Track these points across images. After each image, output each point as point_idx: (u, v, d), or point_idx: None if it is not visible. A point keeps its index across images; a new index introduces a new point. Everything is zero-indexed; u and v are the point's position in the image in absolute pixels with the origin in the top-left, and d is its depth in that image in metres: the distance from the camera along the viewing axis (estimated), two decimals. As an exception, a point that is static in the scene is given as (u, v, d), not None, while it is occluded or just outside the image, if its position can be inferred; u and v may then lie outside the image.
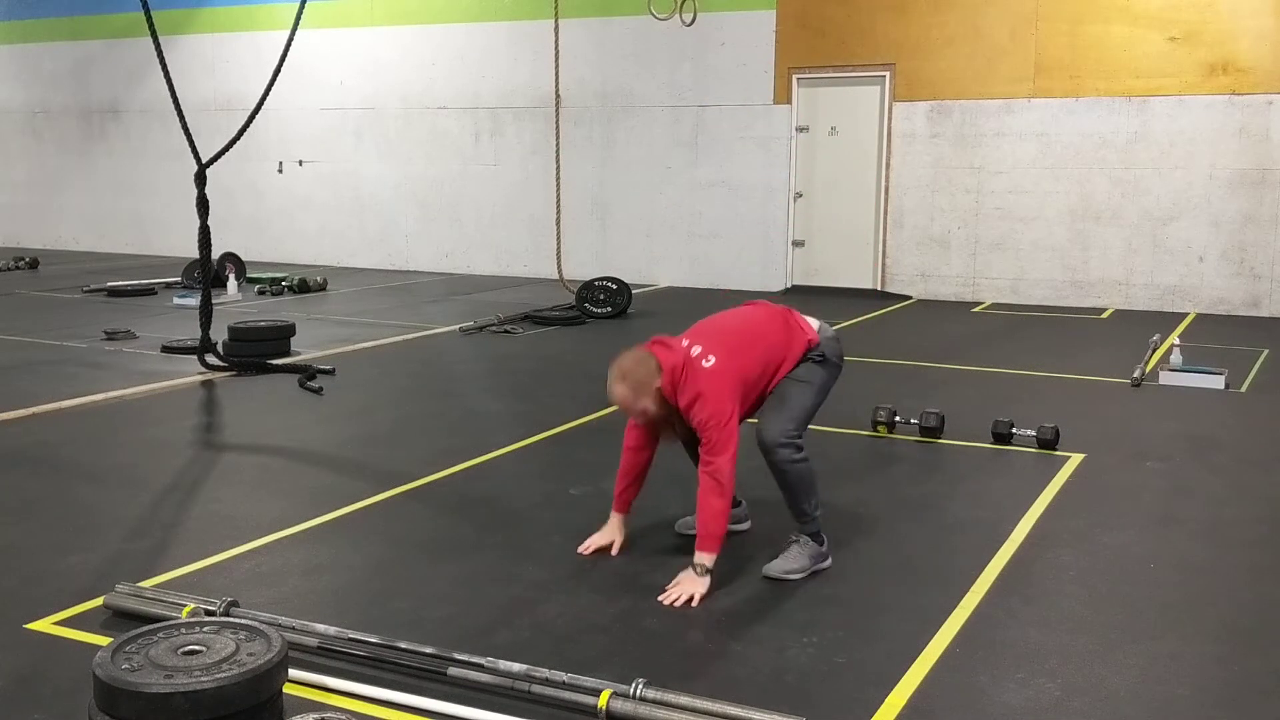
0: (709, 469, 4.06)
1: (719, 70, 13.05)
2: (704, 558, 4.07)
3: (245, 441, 6.44)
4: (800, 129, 12.76)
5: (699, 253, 13.38)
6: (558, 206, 12.12)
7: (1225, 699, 3.36)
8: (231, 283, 12.21)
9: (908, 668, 3.51)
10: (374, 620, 3.81)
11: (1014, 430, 6.16)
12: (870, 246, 12.62)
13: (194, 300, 10.17)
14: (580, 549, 4.50)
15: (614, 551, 4.48)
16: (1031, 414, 6.48)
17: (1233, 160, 11.06)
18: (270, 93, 7.96)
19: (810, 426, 4.41)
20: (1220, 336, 9.73)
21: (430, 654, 3.46)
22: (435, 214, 14.89)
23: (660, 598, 4.03)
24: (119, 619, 3.80)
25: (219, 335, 8.29)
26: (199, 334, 7.96)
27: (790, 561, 4.28)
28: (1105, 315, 11.19)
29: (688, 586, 4.04)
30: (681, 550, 4.52)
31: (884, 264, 12.57)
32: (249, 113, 8.02)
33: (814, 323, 4.41)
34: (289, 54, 7.87)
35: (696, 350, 4.15)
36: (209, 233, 7.90)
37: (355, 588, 4.23)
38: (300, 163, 15.65)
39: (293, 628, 3.60)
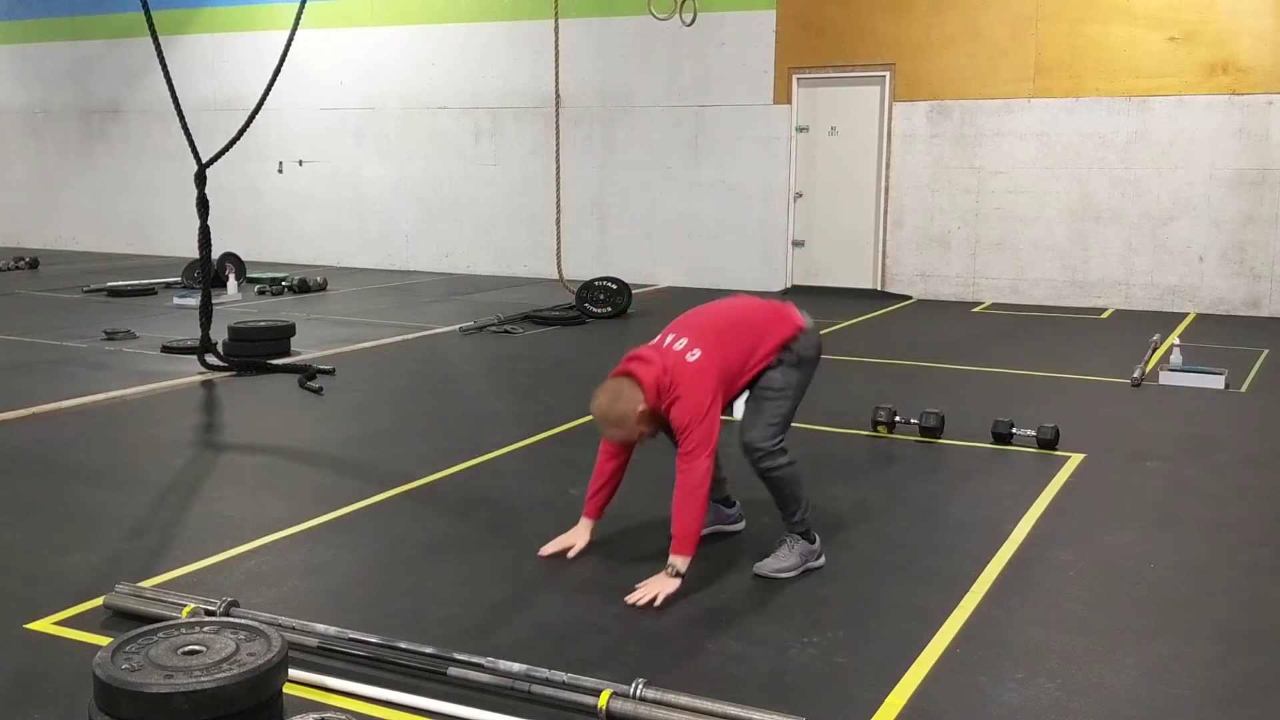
0: (687, 470, 4.02)
1: (719, 70, 13.05)
2: (679, 560, 4.04)
3: (245, 441, 6.44)
4: (800, 129, 12.76)
5: (699, 253, 13.38)
6: (558, 206, 12.12)
7: (1225, 699, 3.36)
8: (231, 283, 12.21)
9: (908, 668, 3.51)
10: (374, 620, 3.81)
11: (1014, 430, 6.16)
12: (870, 246, 12.62)
13: (194, 300, 10.17)
14: (541, 551, 4.44)
15: (571, 554, 4.41)
16: (1031, 414, 6.48)
17: (1233, 160, 11.06)
18: (270, 93, 7.96)
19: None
20: (1220, 336, 9.73)
21: (430, 654, 3.46)
22: (435, 214, 14.90)
23: (627, 597, 4.00)
24: (119, 619, 3.80)
25: (219, 335, 8.29)
26: (199, 334, 7.96)
27: (781, 560, 4.27)
28: (1105, 315, 11.19)
29: (655, 587, 4.00)
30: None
31: (884, 264, 12.57)
32: (249, 113, 8.02)
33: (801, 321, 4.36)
34: (289, 54, 7.87)
35: (681, 344, 4.12)
36: (209, 233, 7.90)
37: (355, 588, 4.23)
38: (300, 163, 15.65)
39: (293, 628, 3.60)
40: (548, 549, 4.45)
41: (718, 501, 4.66)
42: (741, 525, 4.74)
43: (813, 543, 4.34)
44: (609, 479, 4.42)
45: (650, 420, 4.10)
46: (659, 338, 4.25)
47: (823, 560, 4.36)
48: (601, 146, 13.78)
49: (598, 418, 4.15)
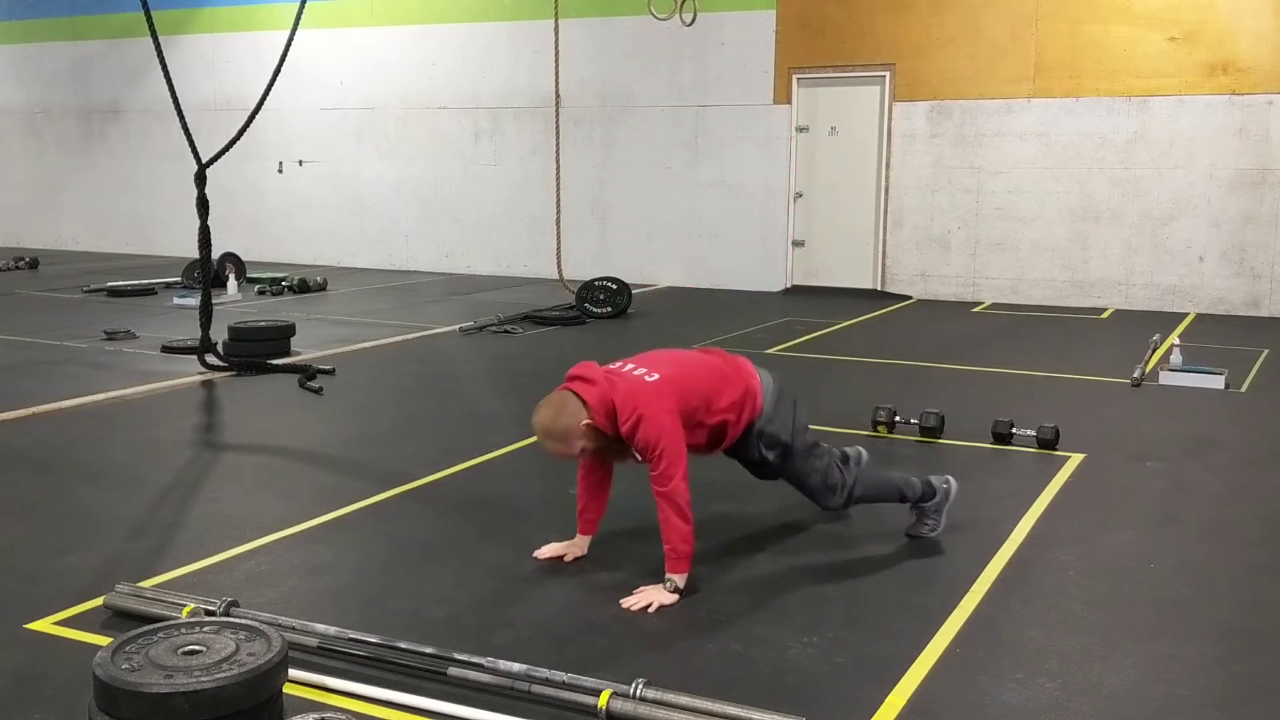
0: (664, 495, 3.97)
1: (719, 70, 13.05)
2: (676, 578, 4.03)
3: (245, 441, 6.44)
4: (800, 129, 12.76)
5: (699, 253, 13.38)
6: (558, 206, 12.12)
7: (1225, 699, 3.36)
8: (231, 283, 12.21)
9: (908, 668, 3.51)
10: (374, 620, 3.81)
11: (1014, 430, 6.16)
12: (870, 246, 12.62)
13: (194, 300, 10.17)
14: (536, 553, 4.42)
15: (568, 559, 4.39)
16: (1031, 414, 6.48)
17: (1233, 160, 11.06)
18: (270, 93, 7.96)
19: (810, 426, 4.42)
20: (1220, 336, 9.73)
21: (430, 654, 3.46)
22: (435, 214, 14.90)
23: (622, 601, 3.98)
24: (119, 619, 3.80)
25: (219, 335, 8.29)
26: (199, 334, 7.96)
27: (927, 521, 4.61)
28: (1105, 315, 11.19)
29: (651, 596, 3.98)
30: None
31: (884, 264, 12.57)
32: (249, 113, 8.03)
33: (760, 380, 4.31)
34: (289, 54, 7.87)
35: (639, 371, 4.10)
36: (209, 233, 7.90)
37: (355, 588, 4.23)
38: (300, 163, 15.65)
39: (293, 628, 3.60)
40: (544, 553, 4.43)
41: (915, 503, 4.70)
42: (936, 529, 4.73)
43: (933, 495, 4.58)
44: (593, 495, 4.39)
45: (593, 436, 4.03)
46: (617, 364, 4.21)
47: (951, 484, 4.63)
48: (601, 146, 13.78)
49: (539, 431, 4.09)
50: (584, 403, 4.00)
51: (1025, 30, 11.66)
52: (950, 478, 4.66)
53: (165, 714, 2.70)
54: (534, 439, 6.22)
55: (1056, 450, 6.02)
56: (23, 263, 14.99)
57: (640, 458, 4.06)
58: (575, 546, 4.44)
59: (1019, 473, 5.75)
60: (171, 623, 3.10)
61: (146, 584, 4.04)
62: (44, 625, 3.80)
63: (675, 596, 4.01)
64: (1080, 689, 3.40)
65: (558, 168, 12.09)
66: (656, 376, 4.07)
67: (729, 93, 13.02)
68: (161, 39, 7.64)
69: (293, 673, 3.22)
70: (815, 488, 4.42)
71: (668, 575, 4.03)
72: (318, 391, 7.53)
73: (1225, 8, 10.93)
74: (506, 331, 10.02)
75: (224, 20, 15.88)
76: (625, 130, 13.65)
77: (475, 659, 3.40)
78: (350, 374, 8.10)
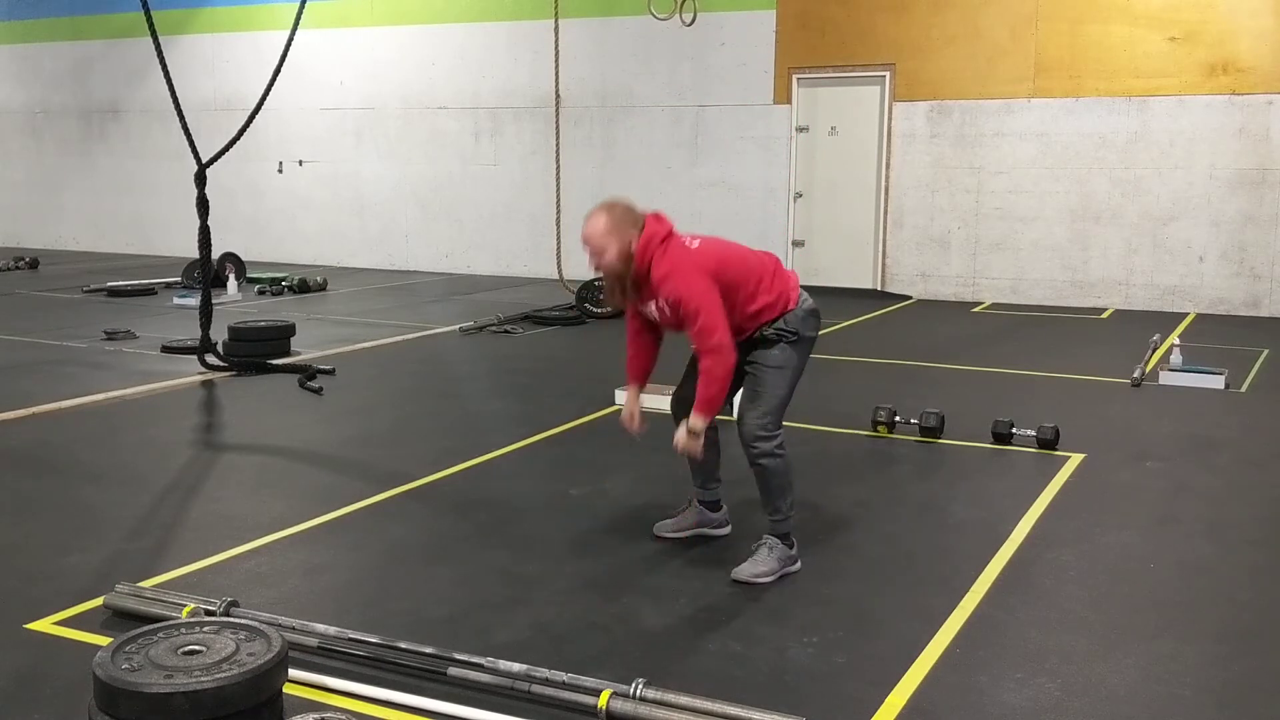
0: (704, 352, 4.06)
1: (719, 70, 13.05)
2: (697, 420, 4.11)
3: (245, 441, 6.44)
4: (800, 129, 12.76)
5: (699, 253, 13.35)
6: (558, 206, 12.11)
7: (1225, 699, 3.36)
8: (231, 283, 12.21)
9: (908, 668, 3.51)
10: (374, 620, 3.81)
11: (1014, 430, 6.16)
12: (870, 246, 12.62)
13: (194, 300, 10.17)
14: (622, 418, 4.44)
15: (636, 427, 4.41)
16: (1031, 414, 6.48)
17: (1233, 160, 11.06)
18: (270, 93, 7.96)
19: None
20: (1220, 336, 9.73)
21: (430, 654, 3.46)
22: (435, 214, 14.90)
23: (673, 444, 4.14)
24: (119, 619, 3.80)
25: (219, 335, 8.29)
26: (199, 334, 7.96)
27: (759, 565, 4.24)
28: (1105, 315, 11.19)
29: (681, 445, 4.14)
30: (681, 550, 4.53)
31: (884, 264, 12.58)
32: (249, 113, 8.03)
33: (800, 293, 4.36)
34: (289, 54, 7.87)
35: (688, 239, 4.22)
36: (209, 233, 7.91)
37: (355, 588, 4.23)
38: (300, 163, 15.65)
39: (293, 628, 3.60)
40: (629, 420, 4.43)
41: (704, 504, 4.65)
42: (727, 530, 4.71)
43: (791, 547, 4.30)
44: (640, 349, 4.47)
45: (624, 257, 4.12)
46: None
47: (799, 565, 4.32)
48: (601, 146, 13.78)
49: (603, 205, 4.20)
50: (643, 228, 4.12)
51: (1025, 30, 11.66)
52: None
53: (165, 714, 2.70)
54: (534, 439, 6.27)
55: (1056, 450, 6.02)
56: (23, 263, 14.99)
57: (664, 316, 4.16)
58: (631, 401, 4.47)
59: (1019, 473, 5.75)
60: (171, 623, 3.10)
61: (146, 584, 4.04)
62: (44, 625, 3.80)
63: (698, 442, 4.14)
64: (1080, 689, 3.40)
65: (558, 168, 12.09)
66: (698, 244, 4.19)
67: (729, 93, 13.02)
68: (161, 39, 7.64)
69: (293, 673, 3.22)
70: (766, 397, 4.24)
71: (691, 419, 4.11)
72: (318, 391, 7.53)
73: (1225, 8, 10.93)
74: (506, 331, 10.02)
75: (224, 20, 15.88)
76: (625, 130, 13.65)
77: (475, 659, 3.40)
78: (350, 374, 8.10)
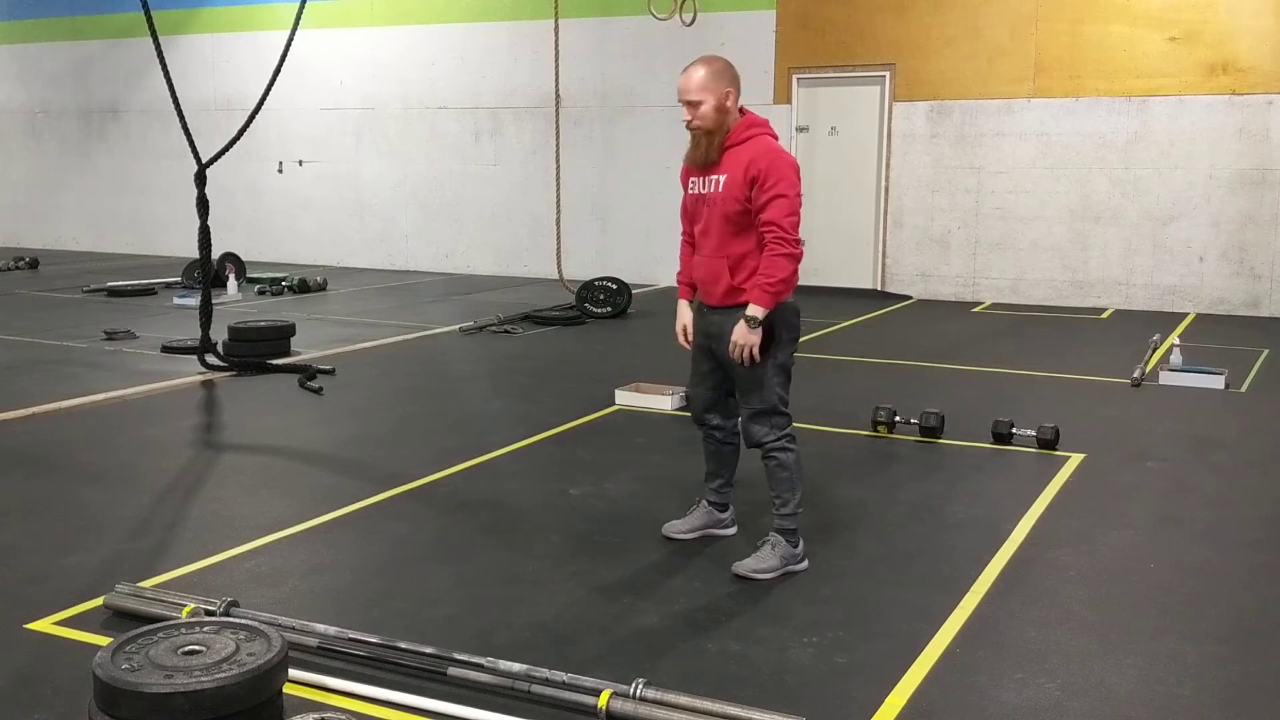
0: (768, 228, 4.24)
1: (719, 70, 13.02)
2: (755, 309, 4.17)
3: (245, 441, 6.44)
4: (800, 129, 12.76)
5: (699, 253, 13.35)
6: (558, 206, 12.11)
7: (1225, 699, 3.36)
8: (231, 283, 12.21)
9: (908, 668, 3.51)
10: (374, 620, 3.81)
11: (1014, 430, 6.16)
12: (870, 246, 12.62)
13: (194, 300, 10.17)
14: (677, 328, 4.57)
15: (689, 337, 4.50)
16: (1031, 414, 6.48)
17: (1233, 160, 11.06)
18: (270, 93, 7.96)
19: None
20: (1220, 336, 9.73)
21: (430, 654, 3.46)
22: (435, 214, 14.89)
23: (729, 350, 4.14)
24: (119, 619, 3.80)
25: (219, 335, 8.29)
26: (199, 334, 7.96)
27: (762, 560, 4.23)
28: (1105, 315, 11.19)
29: (740, 340, 4.15)
30: (681, 550, 4.53)
31: (884, 264, 12.57)
32: (249, 113, 8.02)
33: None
34: (289, 54, 7.87)
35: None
36: (209, 233, 7.90)
37: (355, 588, 4.23)
38: (300, 163, 15.65)
39: (293, 628, 3.60)
40: (682, 333, 4.56)
41: (714, 505, 4.65)
42: (734, 530, 4.71)
43: (796, 546, 4.30)
44: (692, 263, 4.52)
45: (718, 113, 4.16)
46: None
47: (805, 564, 4.32)
48: (601, 146, 13.78)
49: (708, 56, 4.24)
50: (737, 88, 4.18)
51: (1025, 30, 11.66)
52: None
53: (165, 714, 2.70)
54: (534, 439, 6.27)
55: (1056, 450, 6.02)
56: (23, 263, 14.98)
57: (721, 193, 4.22)
58: (683, 315, 4.59)
59: (1019, 473, 5.75)
60: (171, 623, 3.10)
61: (146, 584, 4.04)
62: (44, 625, 3.80)
63: (757, 335, 4.17)
64: (1080, 689, 3.40)
65: (558, 168, 12.09)
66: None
67: (729, 93, 13.00)
68: (161, 39, 7.64)
69: (293, 673, 3.22)
70: (768, 392, 4.26)
71: (749, 309, 4.17)
72: (318, 391, 7.53)
73: (1225, 8, 10.93)
74: (506, 331, 10.02)
75: (224, 20, 15.88)
76: (625, 130, 13.65)
77: (475, 659, 3.40)
78: (350, 374, 8.10)
